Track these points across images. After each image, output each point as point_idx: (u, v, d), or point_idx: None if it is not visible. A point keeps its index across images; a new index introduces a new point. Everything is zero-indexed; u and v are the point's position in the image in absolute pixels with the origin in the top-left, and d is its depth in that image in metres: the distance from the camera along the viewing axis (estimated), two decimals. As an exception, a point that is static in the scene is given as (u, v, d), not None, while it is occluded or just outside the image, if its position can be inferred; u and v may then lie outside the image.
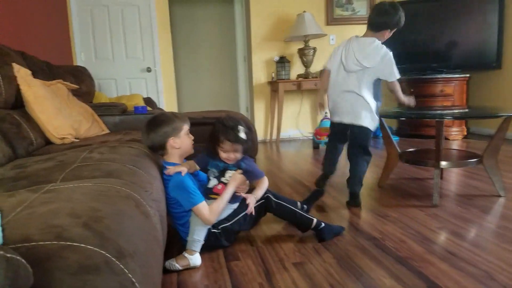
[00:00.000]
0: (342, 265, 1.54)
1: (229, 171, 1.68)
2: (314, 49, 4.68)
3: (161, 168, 1.69)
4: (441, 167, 2.25)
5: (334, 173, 2.53)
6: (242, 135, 1.61)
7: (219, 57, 6.27)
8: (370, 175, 2.90)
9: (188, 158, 1.79)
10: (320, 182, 2.50)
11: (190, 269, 1.57)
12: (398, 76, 2.16)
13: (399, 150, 2.53)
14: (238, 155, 1.65)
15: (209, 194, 1.68)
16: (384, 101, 2.43)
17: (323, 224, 1.79)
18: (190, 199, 1.57)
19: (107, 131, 2.50)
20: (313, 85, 4.63)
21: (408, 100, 2.27)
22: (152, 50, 4.81)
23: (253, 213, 1.72)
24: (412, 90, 4.32)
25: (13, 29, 2.90)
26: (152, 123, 1.69)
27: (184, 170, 1.60)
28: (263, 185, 1.75)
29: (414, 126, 4.70)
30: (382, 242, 1.74)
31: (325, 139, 3.92)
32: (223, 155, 1.64)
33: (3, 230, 0.80)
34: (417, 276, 1.44)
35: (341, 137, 2.39)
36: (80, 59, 4.62)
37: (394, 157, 2.54)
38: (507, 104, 4.26)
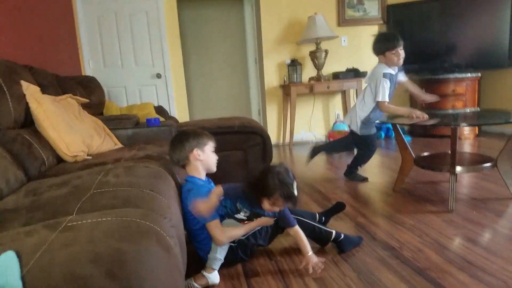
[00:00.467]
0: (362, 279, 1.53)
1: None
2: (326, 51, 4.58)
3: (182, 182, 1.67)
4: (457, 172, 2.24)
5: (320, 151, 3.00)
6: (296, 192, 1.50)
7: (229, 61, 6.16)
8: (384, 179, 2.95)
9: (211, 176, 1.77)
10: (313, 152, 3.02)
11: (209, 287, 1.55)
12: (380, 99, 2.58)
13: (413, 155, 2.54)
14: (282, 208, 1.57)
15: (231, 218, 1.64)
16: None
17: (342, 236, 1.76)
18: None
19: (120, 145, 2.45)
20: (325, 88, 4.53)
21: (409, 111, 2.51)
22: (161, 56, 4.72)
23: (270, 226, 1.69)
24: (423, 90, 4.26)
25: (21, 39, 2.86)
26: (179, 135, 1.74)
27: (212, 208, 1.52)
28: (303, 236, 1.65)
29: (426, 126, 4.60)
30: (400, 252, 1.74)
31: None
32: (267, 206, 1.52)
33: (24, 284, 0.75)
34: (436, 288, 1.43)
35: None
36: (88, 67, 4.57)
37: (409, 162, 2.56)
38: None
